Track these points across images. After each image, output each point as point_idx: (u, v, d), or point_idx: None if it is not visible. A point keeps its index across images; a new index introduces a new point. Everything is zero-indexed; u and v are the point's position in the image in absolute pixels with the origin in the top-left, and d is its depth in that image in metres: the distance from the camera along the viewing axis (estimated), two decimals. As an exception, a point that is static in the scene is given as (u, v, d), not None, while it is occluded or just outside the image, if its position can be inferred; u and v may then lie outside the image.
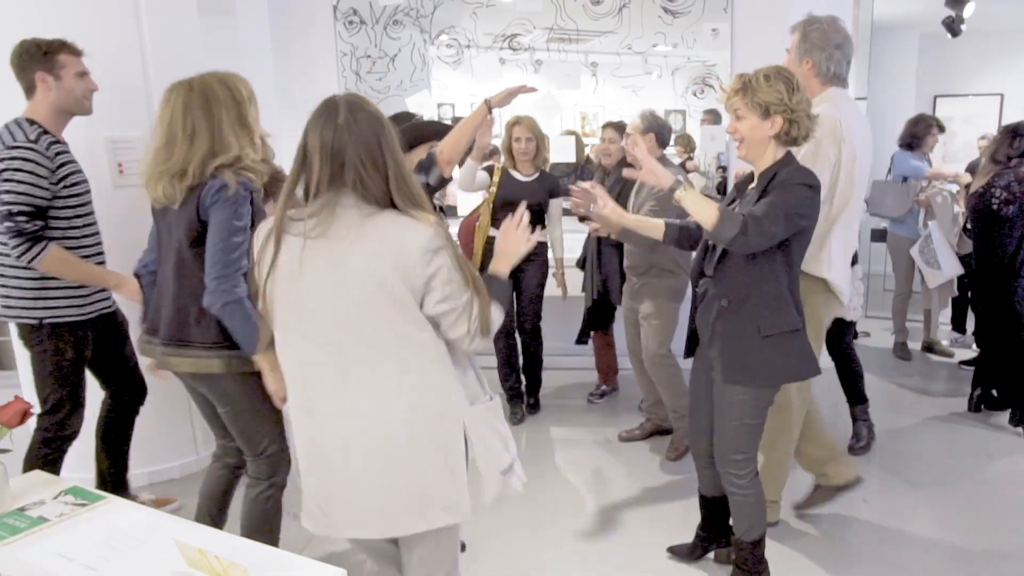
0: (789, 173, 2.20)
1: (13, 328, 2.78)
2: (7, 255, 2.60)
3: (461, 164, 3.79)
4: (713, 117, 5.05)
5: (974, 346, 5.23)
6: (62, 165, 2.62)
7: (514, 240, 1.86)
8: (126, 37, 3.21)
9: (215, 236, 2.13)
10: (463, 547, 3.05)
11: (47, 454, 2.78)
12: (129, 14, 3.21)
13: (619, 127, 4.05)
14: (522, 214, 1.88)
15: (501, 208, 4.08)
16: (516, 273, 4.18)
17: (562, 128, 5.20)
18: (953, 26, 6.69)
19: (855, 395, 3.83)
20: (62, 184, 2.61)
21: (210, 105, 2.20)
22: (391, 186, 1.64)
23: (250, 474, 2.40)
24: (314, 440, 1.70)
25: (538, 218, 4.12)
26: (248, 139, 2.25)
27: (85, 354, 2.82)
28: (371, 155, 1.63)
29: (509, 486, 1.79)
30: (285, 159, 4.91)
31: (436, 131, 2.91)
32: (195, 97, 2.21)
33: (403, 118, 2.95)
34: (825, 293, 2.74)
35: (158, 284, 2.34)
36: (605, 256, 4.06)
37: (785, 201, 2.13)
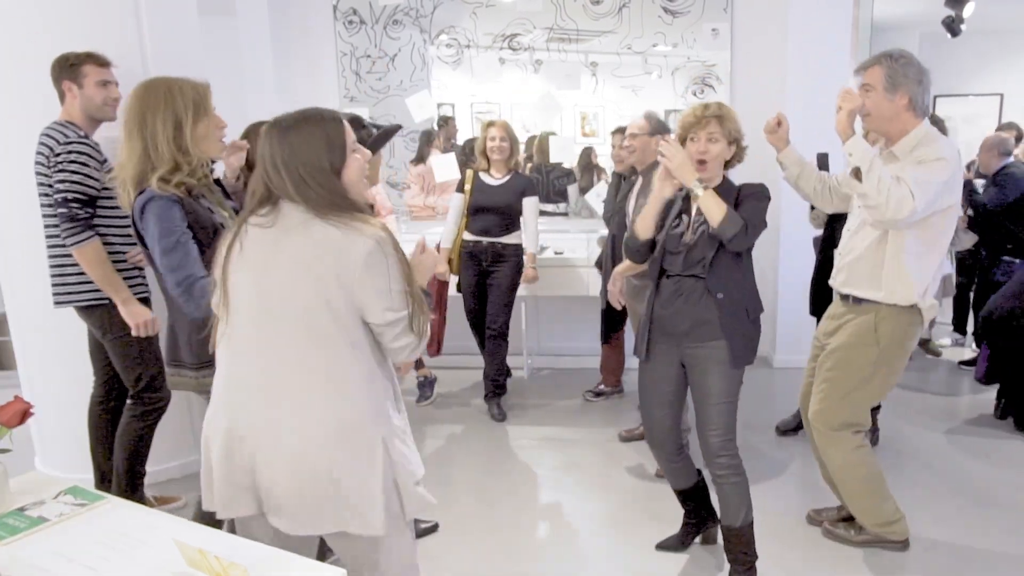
0: (750, 188, 2.48)
1: (16, 328, 2.78)
2: (63, 244, 2.77)
3: None
4: None
5: (973, 346, 5.24)
6: (105, 160, 2.83)
7: (429, 264, 1.88)
8: (126, 38, 3.22)
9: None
10: (435, 527, 3.10)
11: (142, 428, 2.97)
12: (129, 14, 3.22)
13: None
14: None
15: (475, 213, 4.18)
16: (487, 274, 4.23)
17: (562, 128, 5.20)
18: (953, 26, 6.70)
19: None
20: (105, 182, 2.78)
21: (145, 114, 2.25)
22: (334, 197, 1.64)
23: None
24: (237, 427, 1.67)
25: (510, 220, 4.18)
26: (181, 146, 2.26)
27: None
28: (309, 167, 1.64)
29: (424, 498, 1.76)
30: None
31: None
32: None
33: (355, 123, 2.83)
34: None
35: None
36: (620, 258, 4.06)
37: (760, 209, 2.42)
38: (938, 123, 5.09)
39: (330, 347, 1.64)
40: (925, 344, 5.41)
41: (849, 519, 2.97)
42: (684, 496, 2.81)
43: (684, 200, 2.57)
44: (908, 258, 2.58)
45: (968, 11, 6.62)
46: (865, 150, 2.44)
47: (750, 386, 4.72)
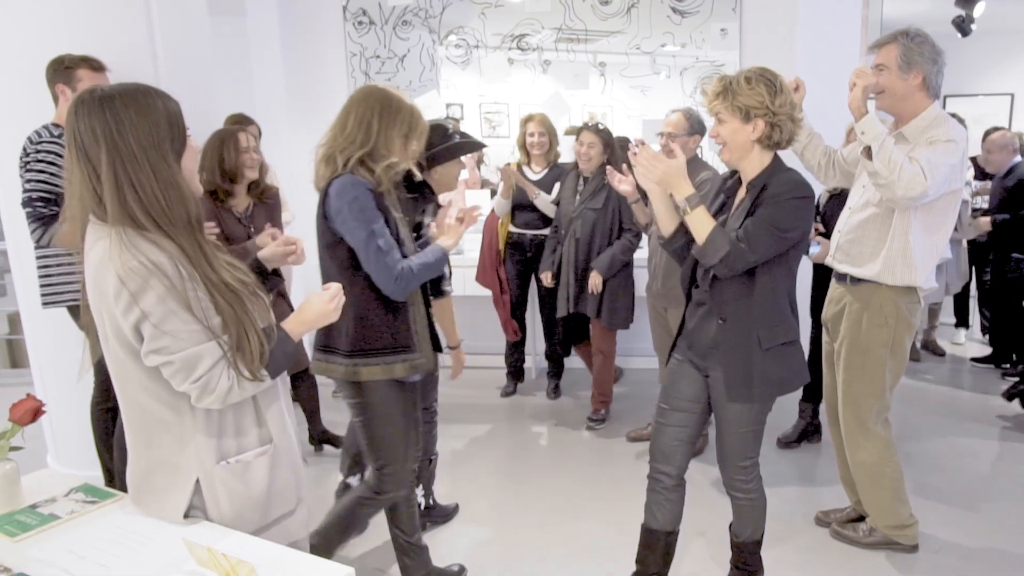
0: (779, 186, 2.11)
1: (29, 326, 2.80)
2: (35, 244, 2.79)
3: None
4: None
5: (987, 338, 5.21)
6: None
7: (321, 311, 1.67)
8: (137, 38, 3.23)
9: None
10: (456, 509, 3.17)
11: None
12: (140, 14, 3.23)
13: (599, 131, 3.92)
14: (338, 289, 1.72)
15: (517, 208, 4.37)
16: (532, 266, 4.34)
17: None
18: (963, 26, 6.65)
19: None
20: None
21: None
22: (112, 191, 1.39)
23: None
24: None
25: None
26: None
27: None
28: (84, 151, 1.40)
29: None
30: (294, 157, 4.94)
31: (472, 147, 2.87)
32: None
33: (437, 130, 2.73)
34: (917, 304, 2.69)
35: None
36: (583, 263, 3.98)
37: (774, 220, 2.08)
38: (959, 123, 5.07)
39: (126, 392, 1.53)
40: (928, 343, 5.39)
41: (858, 520, 2.97)
42: (649, 540, 2.45)
43: (724, 193, 2.34)
44: (913, 239, 2.56)
45: (978, 11, 6.58)
46: (878, 129, 2.41)
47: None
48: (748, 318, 2.17)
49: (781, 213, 2.08)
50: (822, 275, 3.61)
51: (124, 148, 1.38)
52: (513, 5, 5.06)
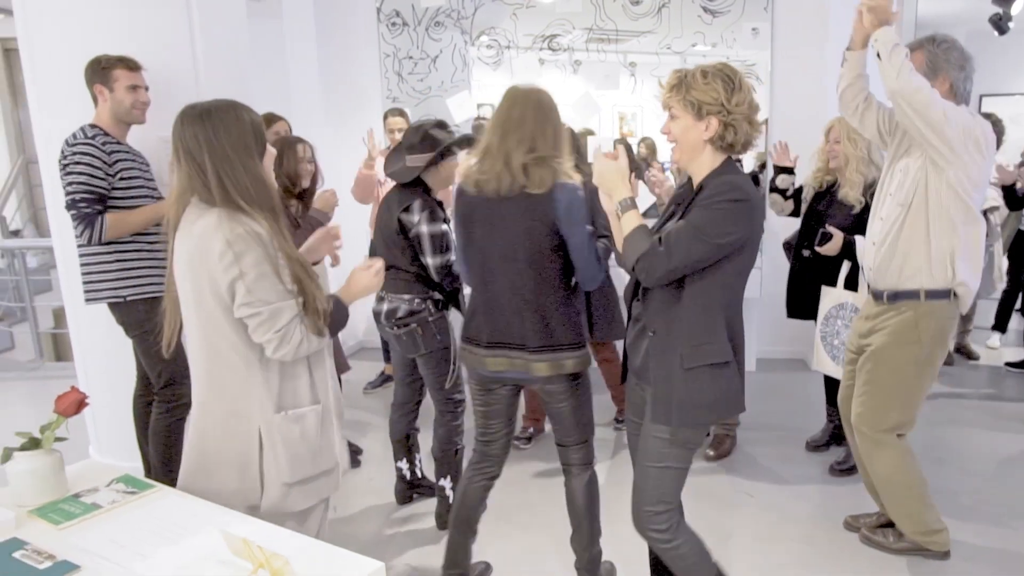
0: (714, 187, 1.91)
1: (74, 321, 2.88)
2: (84, 243, 2.87)
3: None
4: None
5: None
6: (117, 161, 2.87)
7: (367, 284, 1.96)
8: (178, 42, 3.30)
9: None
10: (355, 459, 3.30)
11: (170, 424, 3.05)
12: (181, 18, 3.30)
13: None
14: (380, 263, 1.99)
15: None
16: None
17: (600, 128, 5.20)
18: (1000, 24, 6.50)
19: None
20: (118, 176, 2.87)
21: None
22: (212, 186, 1.73)
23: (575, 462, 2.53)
24: None
25: None
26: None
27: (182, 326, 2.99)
28: (192, 155, 1.74)
29: (289, 499, 1.82)
30: (330, 156, 5.02)
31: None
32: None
33: (440, 125, 2.95)
34: (956, 314, 2.66)
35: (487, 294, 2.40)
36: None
37: (699, 223, 1.87)
38: (995, 123, 4.98)
39: (210, 337, 1.79)
40: (961, 347, 5.30)
41: (888, 525, 2.94)
42: (656, 568, 2.37)
43: (675, 202, 2.15)
44: (944, 238, 2.53)
45: (1016, 8, 6.42)
46: (891, 38, 2.37)
47: (786, 390, 4.71)
48: (673, 333, 1.96)
49: (709, 216, 1.88)
50: (797, 283, 3.61)
51: (219, 150, 1.74)
52: (544, 6, 5.08)
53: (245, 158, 1.75)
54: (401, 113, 4.50)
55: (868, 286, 2.81)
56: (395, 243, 2.87)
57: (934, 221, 2.53)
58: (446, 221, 2.87)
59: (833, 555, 2.88)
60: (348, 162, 4.98)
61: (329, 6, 5.27)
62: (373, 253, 4.59)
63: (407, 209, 2.81)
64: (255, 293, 1.71)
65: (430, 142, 2.82)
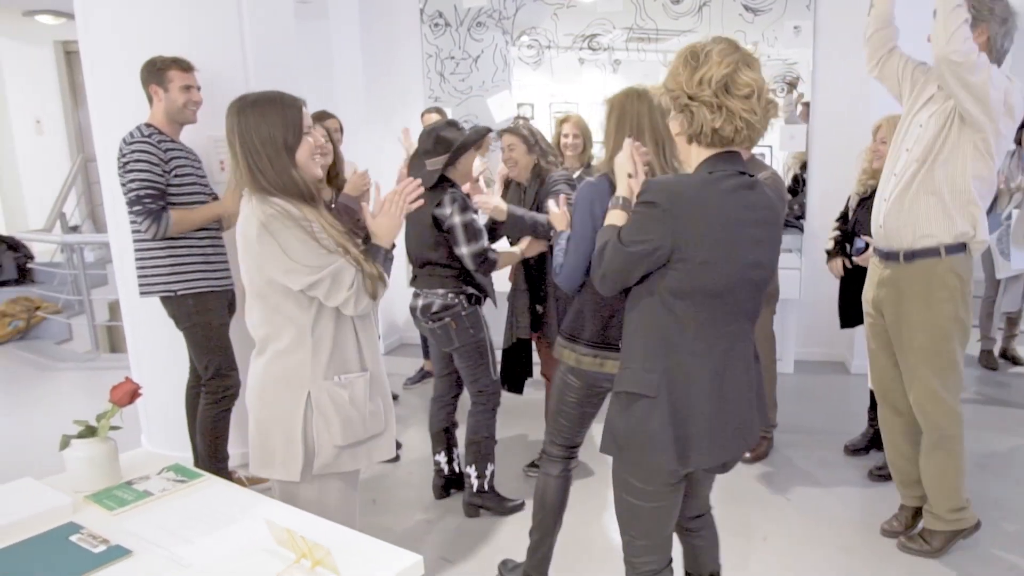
0: (642, 189, 1.69)
1: (128, 314, 2.99)
2: (142, 239, 2.97)
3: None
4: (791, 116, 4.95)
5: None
6: (173, 159, 2.98)
7: (390, 225, 2.02)
8: (229, 44, 3.39)
9: None
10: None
11: (216, 414, 3.17)
12: (232, 21, 3.39)
13: (519, 133, 3.40)
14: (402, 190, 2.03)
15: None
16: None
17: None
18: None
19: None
20: (173, 173, 2.98)
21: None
22: (246, 172, 1.84)
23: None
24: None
25: None
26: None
27: (225, 320, 3.15)
28: (231, 144, 1.86)
29: (340, 460, 1.92)
30: (372, 154, 5.10)
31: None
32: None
33: (451, 124, 3.03)
34: (971, 266, 2.59)
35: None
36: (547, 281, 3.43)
37: (623, 230, 1.70)
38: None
39: (264, 312, 1.90)
40: (1006, 352, 5.15)
41: (914, 523, 2.92)
42: None
43: None
44: (961, 194, 2.47)
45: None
46: None
47: (823, 393, 4.65)
48: (625, 350, 1.78)
49: (629, 221, 1.72)
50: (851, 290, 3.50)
51: (249, 142, 1.83)
52: (585, 5, 5.08)
53: (271, 151, 1.83)
54: (438, 111, 4.55)
55: (876, 249, 2.74)
56: (428, 240, 2.97)
57: (953, 178, 2.46)
58: (475, 212, 2.96)
59: (869, 561, 2.85)
60: (390, 161, 5.06)
61: (374, 7, 5.34)
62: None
63: (439, 204, 2.91)
64: (302, 261, 1.80)
65: (443, 145, 2.93)
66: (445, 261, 2.99)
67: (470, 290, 3.03)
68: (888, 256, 2.67)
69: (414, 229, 3.04)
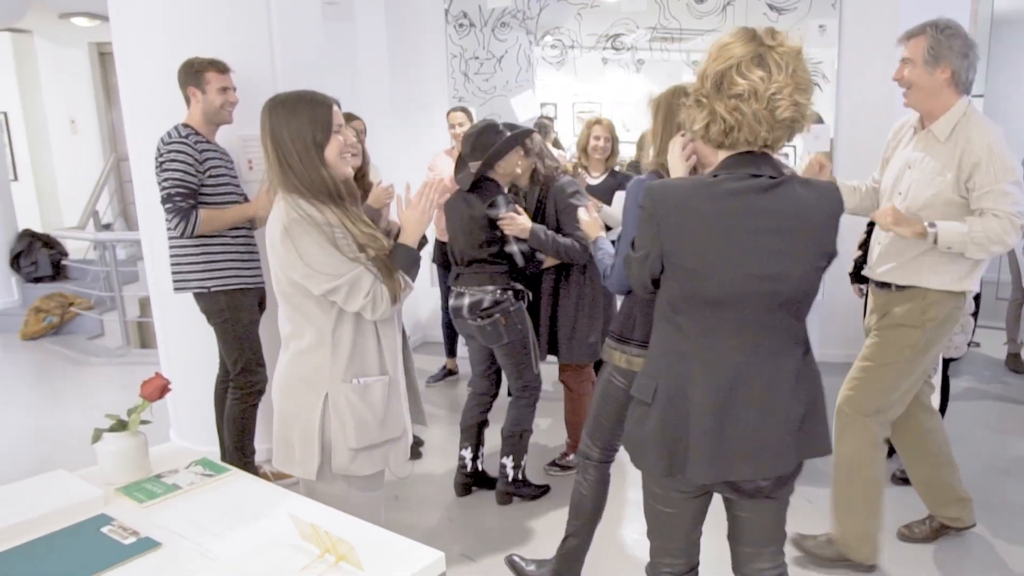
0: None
1: (158, 311, 3.05)
2: (176, 236, 3.04)
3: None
4: (816, 116, 4.91)
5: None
6: (208, 159, 3.05)
7: (417, 219, 2.02)
8: (258, 46, 3.44)
9: None
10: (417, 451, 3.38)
11: (244, 409, 3.24)
12: (261, 23, 3.44)
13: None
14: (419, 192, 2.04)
15: None
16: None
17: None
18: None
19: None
20: (207, 174, 3.05)
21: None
22: (277, 170, 1.87)
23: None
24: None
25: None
26: None
27: (255, 317, 3.22)
28: (264, 143, 1.89)
29: (356, 463, 1.93)
30: (396, 153, 5.13)
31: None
32: None
33: (490, 128, 3.09)
34: (963, 307, 2.59)
35: None
36: (571, 292, 3.40)
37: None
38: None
39: (287, 311, 1.94)
40: (1015, 359, 5.06)
41: (941, 528, 2.91)
42: None
43: None
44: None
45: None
46: (953, 238, 2.34)
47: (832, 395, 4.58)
48: None
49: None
50: None
51: (280, 140, 1.86)
52: (609, 5, 5.07)
53: (300, 148, 1.86)
54: (463, 110, 4.57)
55: (871, 281, 2.73)
56: (479, 238, 3.05)
57: (943, 217, 2.44)
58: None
59: (886, 564, 2.82)
60: (413, 160, 5.10)
61: (399, 8, 5.37)
62: (436, 260, 4.72)
63: (492, 204, 3.01)
64: (321, 267, 1.82)
65: (480, 149, 3.01)
66: (495, 259, 3.07)
67: (518, 286, 3.13)
68: (882, 286, 2.68)
69: (462, 229, 3.12)
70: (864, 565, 2.73)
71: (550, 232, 3.13)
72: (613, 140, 4.10)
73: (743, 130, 1.52)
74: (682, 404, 1.61)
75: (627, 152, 4.97)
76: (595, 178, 4.17)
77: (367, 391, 1.92)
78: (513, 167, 3.12)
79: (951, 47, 2.41)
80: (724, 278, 1.54)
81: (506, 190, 3.13)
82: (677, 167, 2.01)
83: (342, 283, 1.84)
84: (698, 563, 1.90)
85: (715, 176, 1.57)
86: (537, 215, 3.25)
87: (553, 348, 3.45)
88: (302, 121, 1.87)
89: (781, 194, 1.55)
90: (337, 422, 1.90)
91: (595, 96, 5.25)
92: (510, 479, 3.29)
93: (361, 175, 3.50)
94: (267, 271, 2.53)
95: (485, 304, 3.06)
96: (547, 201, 3.24)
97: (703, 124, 1.56)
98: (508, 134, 3.06)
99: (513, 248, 3.05)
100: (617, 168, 4.18)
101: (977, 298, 3.39)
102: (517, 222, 3.03)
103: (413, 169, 4.84)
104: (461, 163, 3.15)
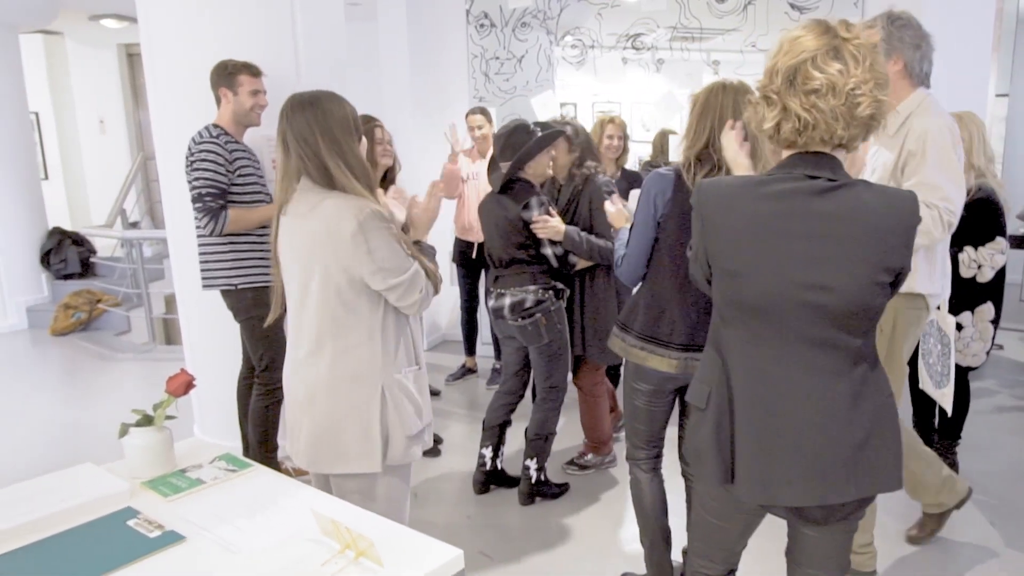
0: None
1: (183, 308, 3.09)
2: (204, 235, 3.09)
3: None
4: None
5: None
6: (237, 159, 3.10)
7: (426, 212, 2.09)
8: (282, 46, 3.48)
9: None
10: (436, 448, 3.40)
11: (268, 406, 3.28)
12: (286, 24, 3.48)
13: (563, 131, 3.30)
14: (414, 198, 2.12)
15: None
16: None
17: (682, 126, 5.14)
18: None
19: (952, 429, 3.47)
20: (236, 173, 3.10)
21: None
22: (328, 164, 1.86)
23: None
24: (288, 383, 2.05)
25: None
26: None
27: (281, 315, 3.21)
28: (304, 139, 1.87)
29: (411, 452, 1.98)
30: (417, 154, 5.16)
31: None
32: None
33: (521, 128, 3.12)
34: (924, 311, 2.53)
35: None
36: (599, 290, 3.39)
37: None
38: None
39: (332, 309, 1.90)
40: None
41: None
42: None
43: None
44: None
45: None
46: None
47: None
48: None
49: None
50: None
51: (330, 134, 1.87)
52: (629, 5, 5.06)
53: (351, 141, 1.90)
54: (482, 112, 4.59)
55: None
56: (515, 240, 3.07)
57: None
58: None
59: (896, 569, 2.81)
60: (434, 160, 5.12)
61: (421, 9, 5.40)
62: (455, 259, 4.75)
63: (526, 206, 3.03)
64: (388, 263, 1.86)
65: (511, 149, 3.03)
66: (532, 259, 3.10)
67: (559, 285, 3.15)
68: None
69: (498, 232, 3.13)
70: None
71: (583, 234, 3.15)
72: (625, 139, 4.11)
73: (819, 128, 1.42)
74: (728, 411, 1.54)
75: (646, 151, 4.97)
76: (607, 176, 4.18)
77: (410, 381, 1.99)
78: (544, 168, 3.14)
79: (902, 39, 2.38)
80: (763, 283, 1.45)
81: (540, 187, 3.15)
82: (738, 161, 1.95)
83: (405, 279, 1.89)
84: (736, 568, 1.84)
85: (769, 175, 1.50)
86: (569, 210, 3.28)
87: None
88: (345, 114, 1.91)
89: (838, 198, 1.43)
90: (394, 413, 1.93)
91: (615, 96, 5.26)
92: (533, 480, 3.30)
93: (391, 178, 3.55)
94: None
95: (527, 304, 3.07)
96: (581, 198, 3.27)
97: (774, 123, 1.45)
98: (539, 135, 3.08)
99: (547, 251, 3.08)
100: (628, 167, 4.20)
101: (998, 303, 3.35)
102: (550, 225, 3.05)
103: (433, 168, 4.87)
104: (493, 164, 3.18)
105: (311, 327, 1.94)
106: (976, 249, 3.22)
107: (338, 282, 1.89)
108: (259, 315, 3.18)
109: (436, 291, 2.00)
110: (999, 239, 3.22)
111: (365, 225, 1.83)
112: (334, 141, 1.87)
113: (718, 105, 2.15)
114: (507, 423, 3.43)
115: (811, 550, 1.65)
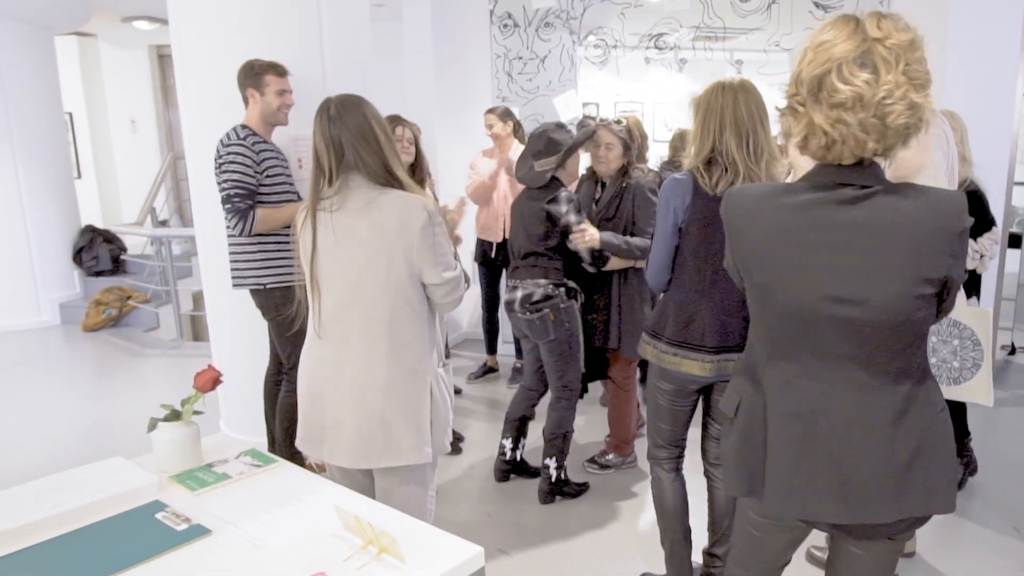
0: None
1: (211, 305, 3.12)
2: (234, 235, 3.13)
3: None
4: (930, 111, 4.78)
5: None
6: (265, 160, 3.13)
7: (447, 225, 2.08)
8: (309, 46, 3.51)
9: None
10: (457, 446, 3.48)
11: (295, 402, 3.26)
12: (312, 25, 3.51)
13: (620, 136, 3.30)
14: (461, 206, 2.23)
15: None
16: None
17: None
18: None
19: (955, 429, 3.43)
20: (265, 174, 3.13)
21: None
22: (389, 162, 1.92)
23: None
24: (311, 381, 2.04)
25: None
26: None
27: (308, 313, 3.28)
28: (363, 136, 1.91)
29: (446, 443, 2.04)
30: (441, 153, 5.18)
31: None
32: None
33: (558, 127, 3.16)
34: None
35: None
36: (633, 286, 3.38)
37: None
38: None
39: (390, 307, 1.92)
40: None
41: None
42: None
43: None
44: None
45: None
46: None
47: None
48: None
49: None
50: None
51: (386, 132, 1.94)
52: (652, 5, 5.04)
53: (392, 140, 1.97)
54: (493, 111, 4.57)
55: None
56: (539, 232, 3.09)
57: None
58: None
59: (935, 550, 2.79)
60: (458, 159, 5.15)
61: (445, 9, 5.42)
62: (477, 258, 4.78)
63: (554, 200, 3.04)
64: (446, 258, 1.94)
65: (554, 147, 3.04)
66: (551, 253, 3.10)
67: (571, 284, 3.14)
68: None
69: (522, 223, 3.16)
70: None
71: (620, 236, 3.17)
72: (641, 137, 4.10)
73: (847, 143, 1.31)
74: (758, 422, 1.49)
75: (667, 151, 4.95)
76: None
77: (446, 376, 2.06)
78: (577, 166, 3.18)
79: None
80: (790, 296, 1.39)
81: (573, 187, 3.18)
82: (798, 162, 1.92)
83: (458, 274, 1.96)
84: None
85: (797, 183, 1.41)
86: (612, 206, 3.30)
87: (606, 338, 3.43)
88: (379, 113, 1.97)
89: (869, 207, 1.33)
90: (440, 406, 2.00)
91: (637, 96, 5.24)
92: (553, 479, 3.32)
93: (419, 179, 3.58)
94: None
95: (536, 297, 3.08)
96: (625, 195, 3.28)
97: (801, 136, 1.36)
98: (573, 137, 3.11)
99: (580, 247, 3.07)
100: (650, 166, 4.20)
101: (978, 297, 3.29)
102: (587, 235, 3.02)
103: (456, 168, 4.90)
104: (523, 161, 3.18)
105: (358, 323, 1.93)
106: (975, 240, 3.21)
107: (399, 275, 1.91)
108: (287, 314, 3.23)
109: (465, 290, 2.06)
110: (995, 229, 3.26)
111: (433, 218, 1.90)
112: (389, 140, 1.94)
113: (719, 107, 2.14)
114: (529, 416, 3.45)
115: (855, 567, 1.58)
